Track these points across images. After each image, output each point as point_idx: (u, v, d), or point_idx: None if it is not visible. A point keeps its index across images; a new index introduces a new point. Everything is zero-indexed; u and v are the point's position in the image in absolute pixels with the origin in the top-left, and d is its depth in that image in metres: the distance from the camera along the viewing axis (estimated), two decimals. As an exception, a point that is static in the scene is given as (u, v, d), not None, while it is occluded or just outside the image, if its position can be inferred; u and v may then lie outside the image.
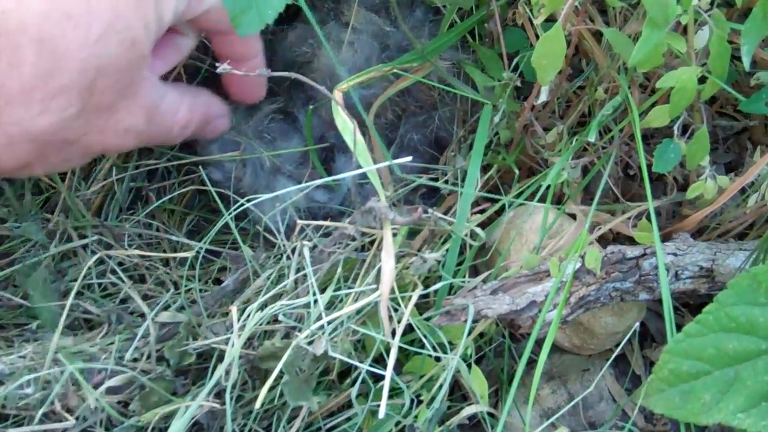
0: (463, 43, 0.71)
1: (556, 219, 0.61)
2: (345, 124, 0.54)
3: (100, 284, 0.57)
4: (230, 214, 0.53)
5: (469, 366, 0.57)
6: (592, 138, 0.56)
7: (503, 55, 0.67)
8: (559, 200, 0.65)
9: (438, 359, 0.57)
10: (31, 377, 0.46)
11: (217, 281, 0.61)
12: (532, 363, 0.66)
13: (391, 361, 0.49)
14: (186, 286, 0.60)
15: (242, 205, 0.53)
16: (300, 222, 0.55)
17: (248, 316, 0.52)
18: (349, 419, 0.56)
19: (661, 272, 0.51)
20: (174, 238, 0.59)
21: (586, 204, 0.65)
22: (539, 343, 0.66)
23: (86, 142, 0.50)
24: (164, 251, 0.62)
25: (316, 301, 0.52)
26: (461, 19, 0.70)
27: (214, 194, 0.56)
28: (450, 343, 0.55)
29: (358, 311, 0.53)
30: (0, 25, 0.43)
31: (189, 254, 0.57)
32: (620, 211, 0.65)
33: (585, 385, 0.63)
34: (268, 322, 0.54)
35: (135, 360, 0.51)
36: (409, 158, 0.52)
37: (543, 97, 0.57)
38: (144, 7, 0.49)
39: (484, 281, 0.58)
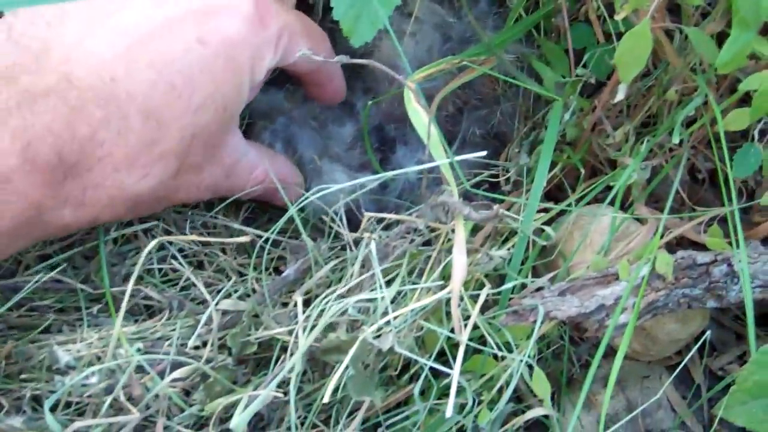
0: (527, 38, 0.69)
1: (624, 222, 0.60)
2: (418, 115, 0.52)
3: (160, 270, 0.57)
4: (297, 206, 0.52)
5: (530, 367, 0.55)
6: (676, 140, 0.55)
7: (569, 50, 0.66)
8: (622, 202, 0.64)
9: (496, 358, 0.55)
10: (95, 368, 0.45)
11: (276, 271, 0.60)
12: (589, 366, 0.64)
13: (459, 359, 0.47)
14: (244, 273, 0.59)
15: (307, 198, 0.52)
16: (367, 214, 0.53)
17: (313, 308, 0.52)
18: (407, 417, 0.55)
19: (744, 280, 0.50)
20: (236, 226, 0.58)
21: (650, 207, 0.64)
22: (598, 347, 0.65)
23: (173, 198, 0.53)
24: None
25: (382, 296, 0.51)
26: (527, 12, 0.68)
27: (279, 185, 0.54)
28: (510, 343, 0.53)
29: (422, 307, 0.52)
30: (111, 94, 0.45)
31: (246, 239, 0.56)
32: (687, 216, 0.64)
33: (644, 392, 0.61)
34: (332, 315, 0.53)
35: (197, 348, 0.50)
36: (484, 152, 0.50)
37: (620, 96, 0.56)
38: (240, 76, 0.51)
39: (551, 282, 0.56)
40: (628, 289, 0.52)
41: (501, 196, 0.67)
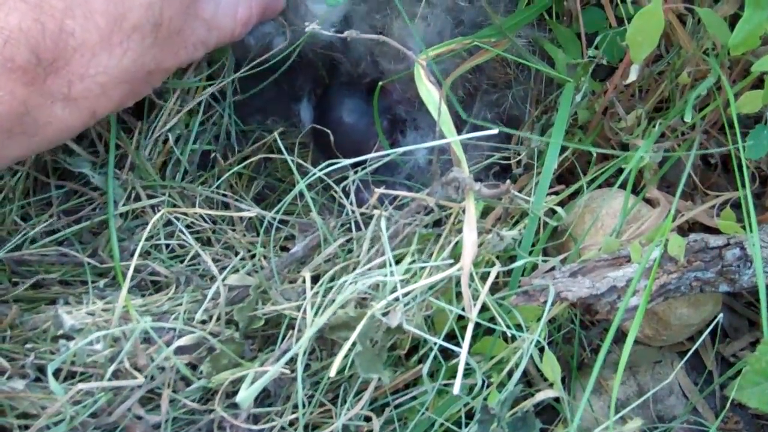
0: (539, 22, 0.69)
1: (635, 204, 0.59)
2: (429, 93, 0.52)
3: (167, 245, 0.56)
4: (305, 181, 0.51)
5: (540, 350, 0.55)
6: (688, 118, 0.54)
7: (581, 34, 0.65)
8: (634, 186, 0.63)
9: (506, 340, 0.55)
10: (101, 334, 0.45)
11: (284, 249, 0.59)
12: (600, 350, 0.64)
13: (467, 338, 0.47)
14: (252, 250, 0.59)
15: (314, 174, 0.51)
16: (377, 191, 0.53)
17: (321, 284, 0.51)
18: (414, 397, 0.54)
19: (757, 264, 0.49)
20: (245, 207, 0.58)
21: (662, 191, 0.63)
22: (609, 331, 0.64)
23: (164, 66, 0.52)
24: (231, 218, 0.60)
25: (392, 273, 0.50)
26: (539, -4, 0.68)
27: (290, 161, 0.54)
28: (521, 325, 0.53)
29: (431, 286, 0.52)
30: None
31: (251, 213, 0.56)
32: (700, 201, 0.63)
33: (655, 378, 0.61)
34: (341, 293, 0.52)
35: (203, 322, 0.50)
36: (496, 130, 0.50)
37: (632, 76, 0.55)
38: None
39: (562, 263, 0.56)
40: (640, 270, 0.52)
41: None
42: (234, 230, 0.58)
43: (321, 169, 0.53)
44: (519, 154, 0.64)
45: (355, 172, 0.61)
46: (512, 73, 0.67)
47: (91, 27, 0.46)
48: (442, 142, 0.50)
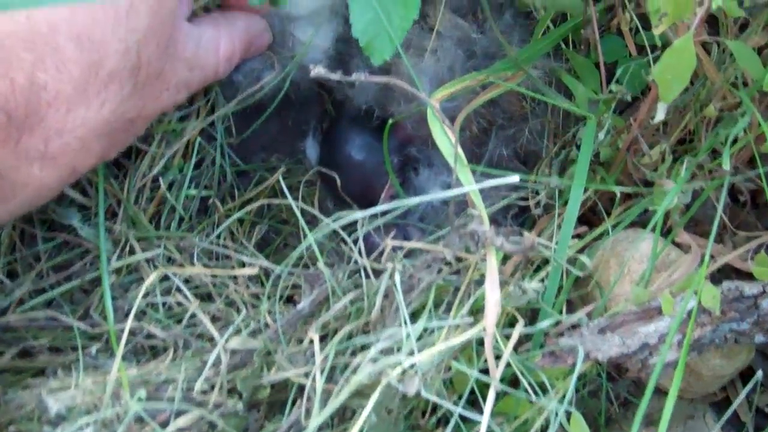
0: (555, 51, 0.65)
1: (664, 248, 0.55)
2: (443, 136, 0.48)
3: (164, 303, 0.52)
4: (314, 234, 0.48)
5: (568, 410, 0.51)
6: (727, 166, 0.51)
7: (600, 64, 0.62)
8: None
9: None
10: (90, 419, 0.41)
11: (290, 300, 0.55)
12: (628, 404, 0.60)
13: (489, 404, 0.43)
14: (256, 305, 0.55)
15: (323, 228, 0.48)
16: (390, 242, 0.49)
17: (331, 347, 0.47)
18: (433, 463, 0.51)
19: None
20: (246, 259, 0.54)
21: (688, 231, 0.59)
22: (637, 384, 0.60)
23: (146, 112, 0.49)
24: (233, 267, 0.57)
25: (408, 335, 0.47)
26: (554, 24, 0.64)
27: (295, 207, 0.50)
28: (543, 384, 0.49)
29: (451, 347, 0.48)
30: (32, 32, 0.41)
31: (253, 271, 0.52)
32: (729, 241, 0.59)
33: (687, 432, 0.57)
34: (352, 353, 0.49)
35: (204, 392, 0.46)
36: (516, 177, 0.46)
37: (660, 116, 0.52)
38: None
39: (589, 316, 0.52)
40: (675, 326, 0.48)
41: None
42: (236, 282, 0.54)
43: (329, 223, 0.49)
44: (538, 193, 0.61)
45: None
46: (528, 106, 0.64)
47: (64, 78, 0.42)
48: (459, 191, 0.47)
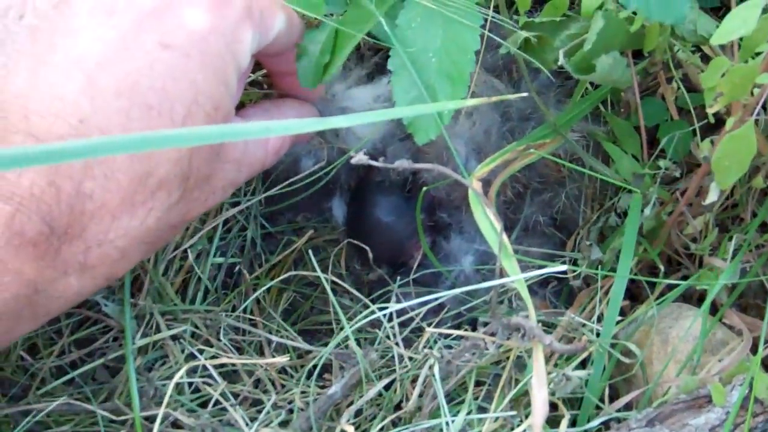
0: (593, 112, 0.63)
1: (711, 328, 0.53)
2: (487, 221, 0.46)
3: (190, 384, 0.50)
4: (353, 326, 0.46)
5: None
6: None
7: (641, 128, 0.60)
8: (701, 301, 0.57)
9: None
10: None
11: (320, 375, 0.53)
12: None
13: None
14: (284, 381, 0.53)
15: (368, 315, 0.46)
16: (429, 329, 0.47)
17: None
18: None
19: None
20: (276, 339, 0.52)
21: (736, 304, 0.57)
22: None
23: (189, 216, 0.46)
24: (260, 343, 0.55)
25: (447, 425, 0.44)
26: (593, 86, 0.62)
27: (333, 300, 0.48)
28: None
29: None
30: (84, 137, 0.38)
31: (284, 360, 0.50)
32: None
33: None
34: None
35: (234, 487, 0.44)
36: (564, 268, 0.44)
37: (712, 197, 0.49)
38: (223, 70, 0.44)
39: (631, 406, 0.50)
40: (731, 420, 0.45)
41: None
42: (264, 366, 0.52)
43: (365, 315, 0.47)
44: (577, 264, 0.58)
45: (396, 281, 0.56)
46: (565, 170, 0.62)
47: (112, 187, 0.39)
48: (504, 281, 0.44)
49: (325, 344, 0.56)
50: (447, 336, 0.53)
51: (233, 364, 0.52)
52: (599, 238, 0.61)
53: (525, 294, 0.44)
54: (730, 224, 0.61)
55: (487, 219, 0.46)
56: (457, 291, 0.46)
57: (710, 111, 0.47)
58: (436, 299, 0.47)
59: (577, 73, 0.49)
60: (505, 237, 0.45)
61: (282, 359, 0.47)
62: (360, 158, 0.42)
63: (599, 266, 0.57)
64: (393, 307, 0.45)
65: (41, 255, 0.37)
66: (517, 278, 0.44)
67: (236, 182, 0.48)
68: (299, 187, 0.62)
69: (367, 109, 0.60)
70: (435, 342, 0.51)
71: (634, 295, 0.59)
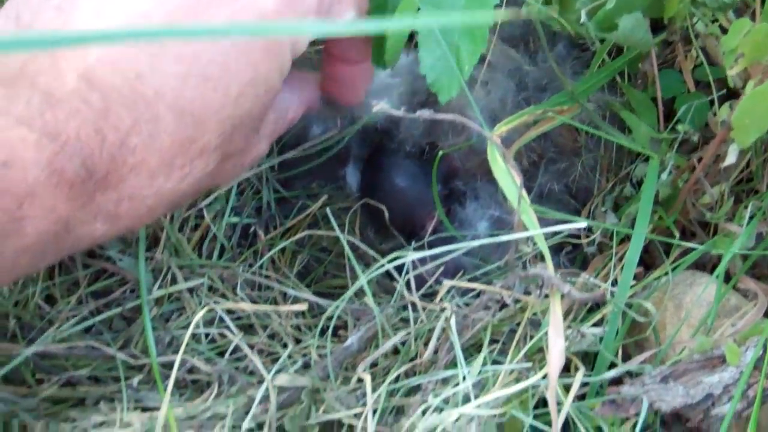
0: (609, 84, 0.63)
1: (725, 293, 0.53)
2: (507, 176, 0.46)
3: (207, 334, 0.50)
4: (368, 276, 0.46)
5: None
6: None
7: (658, 99, 0.60)
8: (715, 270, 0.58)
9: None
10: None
11: (335, 333, 0.54)
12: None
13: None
14: (299, 338, 0.53)
15: (382, 266, 0.46)
16: (447, 282, 0.47)
17: (383, 388, 0.45)
18: None
19: None
20: (291, 292, 0.52)
21: (747, 274, 0.57)
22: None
23: (216, 185, 0.48)
24: (275, 298, 0.55)
25: (464, 378, 0.45)
26: (610, 56, 0.62)
27: (348, 252, 0.49)
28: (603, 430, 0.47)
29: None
30: (137, 93, 0.39)
31: (302, 307, 0.50)
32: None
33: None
34: (405, 394, 0.47)
35: (251, 431, 0.44)
36: (584, 224, 0.44)
37: (730, 159, 0.50)
38: (283, 56, 0.44)
39: (644, 362, 0.50)
40: (745, 378, 0.46)
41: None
42: (279, 314, 0.52)
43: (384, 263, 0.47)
44: (592, 231, 0.59)
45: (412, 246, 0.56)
46: (582, 140, 0.62)
47: (155, 147, 0.40)
48: (524, 234, 0.45)
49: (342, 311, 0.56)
50: (464, 294, 0.53)
51: (249, 318, 0.53)
52: (614, 208, 0.61)
53: (543, 245, 0.44)
54: (744, 197, 0.62)
55: (507, 173, 0.46)
56: (474, 243, 0.46)
57: (731, 73, 0.47)
58: (451, 252, 0.47)
59: (600, 31, 0.50)
60: (524, 191, 0.45)
61: (301, 306, 0.47)
62: (382, 107, 0.42)
63: (614, 234, 0.57)
64: (409, 256, 0.45)
65: (76, 197, 0.38)
66: (536, 233, 0.45)
67: (261, 156, 0.49)
68: (312, 153, 0.63)
69: (385, 84, 0.60)
70: (452, 298, 0.52)
71: (648, 264, 0.60)
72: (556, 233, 0.58)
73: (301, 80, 0.54)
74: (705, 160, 0.53)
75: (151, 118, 0.39)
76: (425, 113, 0.43)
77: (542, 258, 0.56)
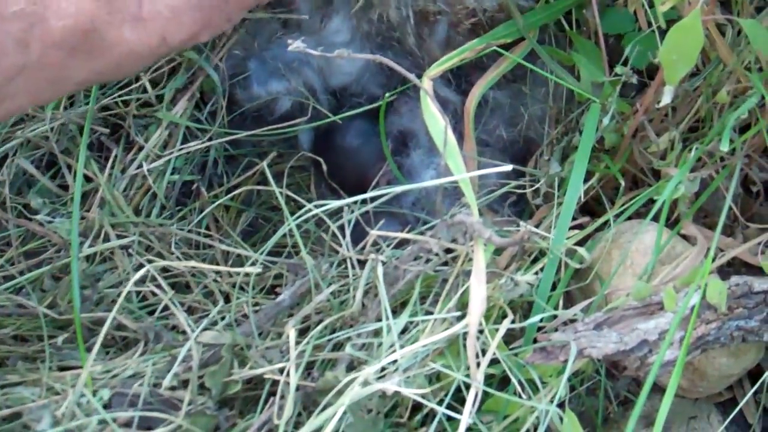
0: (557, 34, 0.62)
1: (669, 240, 0.52)
2: (435, 120, 0.45)
3: (138, 293, 0.50)
4: (295, 219, 0.45)
5: (560, 406, 0.48)
6: (725, 147, 0.47)
7: (601, 42, 0.58)
8: (667, 218, 0.56)
9: (521, 395, 0.48)
10: None
11: (273, 290, 0.53)
12: (629, 403, 0.57)
13: (468, 406, 0.40)
14: (237, 297, 0.52)
15: (308, 211, 0.45)
16: (374, 232, 0.46)
17: (309, 341, 0.45)
18: (418, 465, 0.48)
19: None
20: (226, 248, 0.51)
21: (697, 223, 0.56)
22: (639, 383, 0.57)
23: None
24: (214, 257, 0.54)
25: (389, 328, 0.44)
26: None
27: (281, 200, 0.48)
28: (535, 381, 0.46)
29: (435, 343, 0.45)
30: None
31: (246, 270, 0.49)
32: (740, 233, 0.56)
33: (691, 434, 0.54)
34: (334, 348, 0.46)
35: (173, 388, 0.43)
36: (510, 167, 0.43)
37: (666, 99, 0.49)
38: None
39: (585, 312, 0.49)
40: (675, 323, 0.45)
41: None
42: (218, 272, 0.52)
43: (310, 209, 0.46)
44: (537, 181, 0.57)
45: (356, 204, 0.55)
46: (527, 87, 0.60)
47: None
48: (446, 180, 0.44)
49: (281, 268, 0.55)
50: (398, 246, 0.52)
51: (184, 276, 0.52)
52: (562, 158, 0.60)
53: (468, 191, 0.43)
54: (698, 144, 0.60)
55: (434, 117, 0.45)
56: (400, 188, 0.44)
57: (661, 9, 0.46)
58: (384, 197, 0.46)
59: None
60: (451, 134, 0.44)
61: (241, 269, 0.46)
62: (297, 45, 0.41)
63: (559, 182, 0.56)
64: (333, 204, 0.44)
65: None
66: (462, 177, 0.43)
67: None
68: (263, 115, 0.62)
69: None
70: (383, 250, 0.51)
71: (596, 213, 0.58)
72: (502, 185, 0.58)
73: None
74: (645, 104, 0.52)
75: None
76: (343, 53, 0.42)
77: (488, 208, 0.55)
